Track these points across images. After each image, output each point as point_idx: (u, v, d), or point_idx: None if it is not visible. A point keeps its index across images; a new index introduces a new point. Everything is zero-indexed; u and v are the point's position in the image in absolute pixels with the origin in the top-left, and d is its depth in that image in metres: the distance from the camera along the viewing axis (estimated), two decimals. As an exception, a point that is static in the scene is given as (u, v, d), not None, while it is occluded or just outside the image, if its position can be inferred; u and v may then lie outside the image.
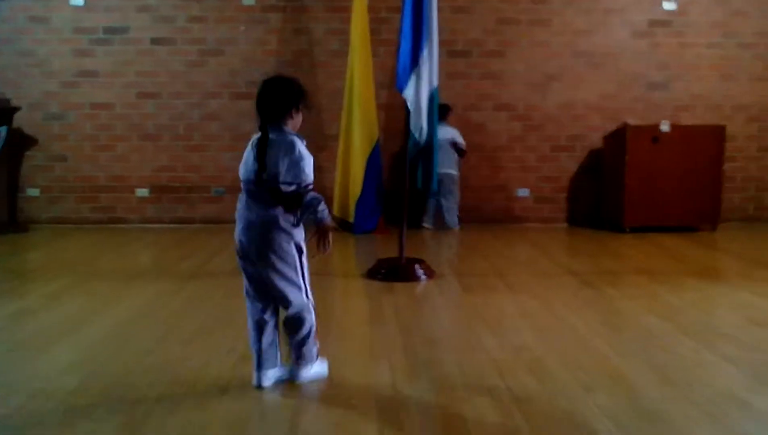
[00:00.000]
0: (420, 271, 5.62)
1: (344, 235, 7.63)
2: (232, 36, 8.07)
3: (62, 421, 2.94)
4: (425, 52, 5.49)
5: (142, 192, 8.24)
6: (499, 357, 3.74)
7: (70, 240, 7.42)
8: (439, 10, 7.60)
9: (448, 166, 7.67)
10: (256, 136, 3.26)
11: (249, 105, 8.15)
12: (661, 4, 8.29)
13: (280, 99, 3.24)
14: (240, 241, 3.25)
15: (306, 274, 3.30)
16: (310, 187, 3.18)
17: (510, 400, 3.15)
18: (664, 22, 8.30)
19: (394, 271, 5.60)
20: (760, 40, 8.38)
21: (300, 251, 3.26)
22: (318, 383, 3.36)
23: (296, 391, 3.27)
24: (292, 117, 3.26)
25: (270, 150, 3.17)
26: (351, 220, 7.74)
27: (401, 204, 5.69)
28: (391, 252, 5.91)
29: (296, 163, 3.13)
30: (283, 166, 3.13)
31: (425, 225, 8.04)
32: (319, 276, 5.58)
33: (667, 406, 3.08)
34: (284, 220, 3.19)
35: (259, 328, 3.33)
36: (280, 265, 3.20)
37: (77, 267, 6.14)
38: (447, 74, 8.02)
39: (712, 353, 3.82)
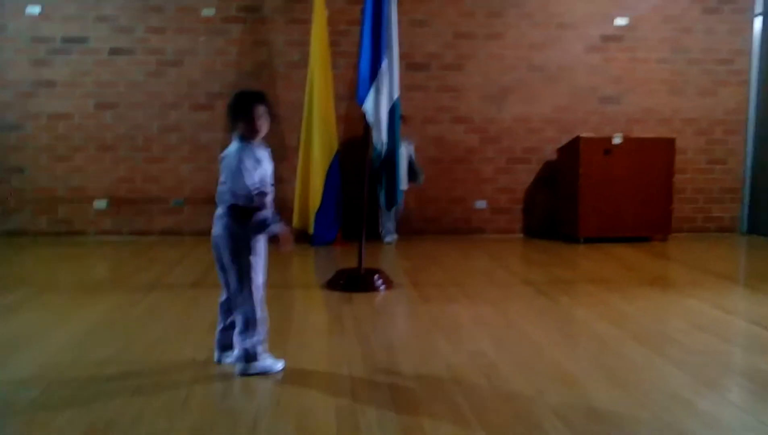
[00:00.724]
0: (379, 282, 5.70)
1: (304, 247, 7.67)
2: (191, 47, 8.09)
3: (24, 432, 2.95)
4: (384, 65, 5.58)
5: (101, 204, 8.19)
6: (455, 363, 3.84)
7: (27, 252, 7.35)
8: (398, 23, 7.77)
9: None
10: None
11: (208, 116, 8.26)
12: (613, 19, 8.53)
13: (227, 113, 3.64)
14: (212, 230, 3.62)
15: (252, 275, 3.58)
16: (252, 198, 3.44)
17: (465, 403, 3.24)
18: (616, 37, 8.55)
19: (353, 282, 5.67)
20: (706, 56, 8.67)
21: (249, 251, 3.55)
22: (276, 389, 3.41)
23: (256, 398, 3.32)
24: (239, 127, 3.57)
25: (223, 161, 3.57)
26: (310, 231, 7.79)
27: (360, 215, 5.77)
28: (350, 263, 5.99)
29: (233, 175, 3.46)
30: (228, 177, 3.48)
31: (387, 239, 8.00)
32: (278, 288, 5.69)
33: (615, 408, 3.21)
34: (234, 223, 3.53)
35: (223, 311, 3.76)
36: (231, 260, 3.56)
37: (34, 279, 6.10)
38: (405, 86, 8.06)
39: (660, 357, 3.97)
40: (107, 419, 3.05)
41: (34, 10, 7.90)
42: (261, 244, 3.61)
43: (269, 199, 3.59)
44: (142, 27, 8.03)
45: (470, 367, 3.79)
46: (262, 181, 3.51)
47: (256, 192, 3.44)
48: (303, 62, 7.91)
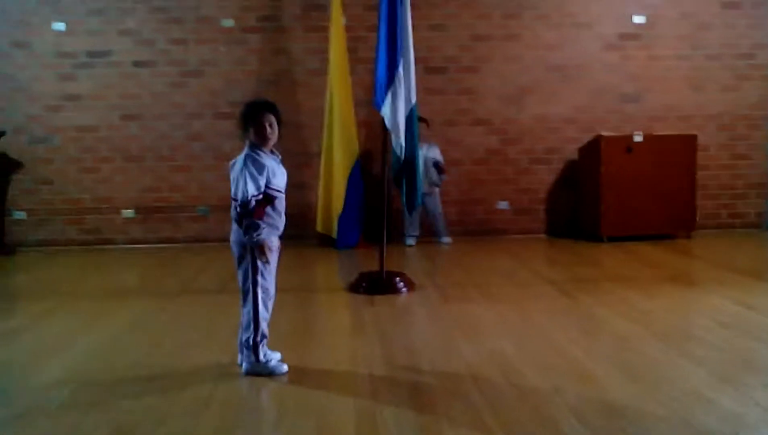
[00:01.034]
0: (400, 284, 5.77)
1: (327, 251, 7.76)
2: (212, 57, 8.22)
3: (53, 433, 3.06)
4: (401, 70, 5.64)
5: (128, 213, 8.34)
6: (474, 362, 3.89)
7: (57, 261, 7.52)
8: (416, 28, 7.81)
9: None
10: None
11: (230, 125, 8.36)
12: (630, 17, 8.51)
13: (238, 121, 3.82)
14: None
15: (258, 277, 3.71)
16: (247, 204, 3.58)
17: (482, 401, 3.30)
18: (633, 35, 8.53)
19: (375, 284, 5.74)
20: (726, 51, 8.61)
21: (253, 256, 3.69)
22: (298, 389, 3.49)
23: (278, 398, 3.39)
24: (249, 134, 3.74)
25: (233, 168, 3.75)
26: (334, 235, 7.87)
27: (382, 219, 5.84)
28: (373, 266, 6.06)
29: (236, 180, 3.64)
30: (233, 184, 3.67)
31: (412, 244, 8.00)
32: (302, 291, 5.79)
33: (632, 404, 3.24)
34: (236, 229, 3.73)
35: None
36: (238, 262, 3.75)
37: (64, 287, 6.25)
38: (424, 90, 8.18)
39: (680, 354, 3.98)
40: (133, 420, 3.15)
41: (59, 26, 8.08)
42: (274, 241, 3.77)
43: (280, 204, 3.76)
44: (164, 39, 8.17)
45: (489, 365, 3.84)
46: (269, 185, 3.67)
47: (254, 199, 3.58)
48: (322, 69, 8.00)
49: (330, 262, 7.31)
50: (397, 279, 5.81)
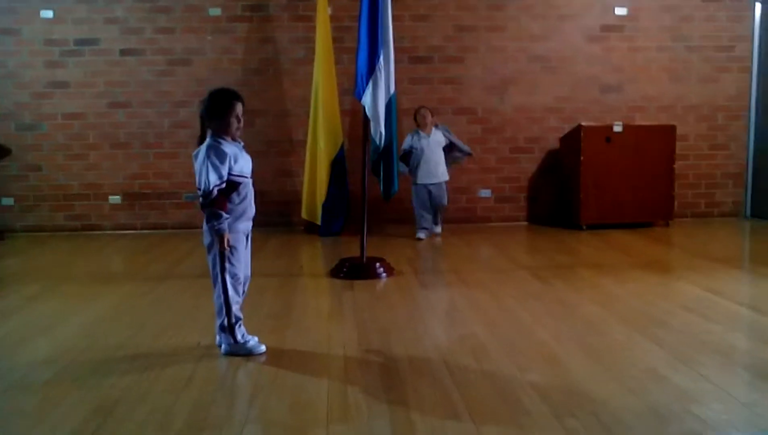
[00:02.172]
0: (380, 269, 5.92)
1: (311, 238, 7.91)
2: (199, 46, 8.32)
3: (38, 409, 3.20)
4: (381, 60, 5.77)
5: (115, 199, 8.46)
6: (445, 345, 4.05)
7: (45, 247, 7.63)
8: (401, 18, 8.00)
9: (441, 169, 7.74)
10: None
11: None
12: (612, 9, 8.65)
13: (202, 111, 3.82)
14: None
15: (225, 264, 3.79)
16: (209, 194, 3.65)
17: (450, 381, 3.45)
18: (616, 26, 8.67)
19: (355, 270, 5.89)
20: (706, 43, 8.77)
21: (217, 244, 3.77)
22: (274, 369, 3.64)
23: (254, 377, 3.54)
24: (213, 124, 3.76)
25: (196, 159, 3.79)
26: (318, 222, 8.01)
27: (363, 205, 5.99)
28: (356, 252, 6.20)
29: (199, 171, 3.70)
30: (197, 174, 3.73)
31: (420, 236, 7.68)
32: (284, 276, 5.93)
33: (592, 383, 3.40)
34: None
35: None
36: (207, 250, 3.84)
37: (52, 272, 6.38)
38: (409, 80, 8.36)
39: (643, 337, 4.14)
40: (116, 396, 3.30)
41: (48, 14, 8.16)
42: (236, 236, 3.81)
43: (246, 189, 3.82)
44: (151, 28, 8.27)
45: (459, 348, 3.99)
46: (232, 172, 3.70)
47: (216, 189, 3.63)
48: (308, 58, 8.12)
49: (313, 248, 7.45)
50: (377, 265, 5.96)
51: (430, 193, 7.65)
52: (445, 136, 7.70)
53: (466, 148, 7.86)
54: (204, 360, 3.82)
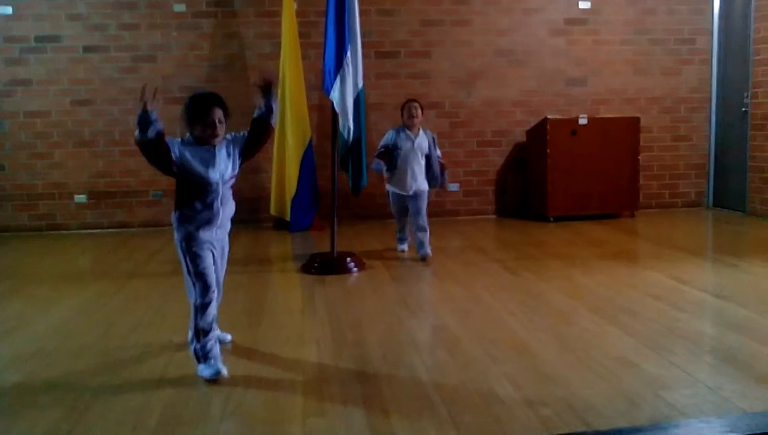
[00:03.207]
0: (351, 264, 5.92)
1: (281, 233, 7.88)
2: (164, 42, 8.24)
3: (7, 411, 3.16)
4: (349, 55, 5.77)
5: (81, 198, 8.35)
6: (418, 337, 4.08)
7: (9, 247, 7.51)
8: (366, 13, 7.99)
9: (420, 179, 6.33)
10: None
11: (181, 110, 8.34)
12: (576, 3, 8.74)
13: (182, 116, 3.65)
14: None
15: (191, 265, 3.61)
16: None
17: (424, 372, 3.48)
18: (580, 20, 8.76)
19: (326, 265, 5.89)
20: (669, 36, 8.90)
21: (183, 250, 3.64)
22: (248, 365, 3.64)
23: (230, 373, 3.52)
24: (196, 130, 3.58)
25: None
26: (288, 218, 7.99)
27: (332, 200, 5.99)
28: (327, 247, 6.20)
29: None
30: None
31: (402, 248, 6.71)
32: (255, 272, 5.91)
33: (563, 371, 3.45)
34: (174, 226, 3.67)
35: None
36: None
37: (17, 272, 6.28)
38: (376, 75, 8.36)
39: (612, 325, 4.21)
40: (89, 396, 3.26)
41: (6, 10, 8.00)
42: (200, 238, 3.60)
43: (213, 198, 3.60)
44: (115, 24, 8.16)
45: (432, 339, 4.03)
46: (187, 169, 3.51)
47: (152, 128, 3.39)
48: (274, 54, 8.08)
49: (284, 244, 7.43)
50: (348, 259, 5.96)
51: (402, 204, 6.43)
52: (429, 145, 6.33)
53: (439, 174, 6.42)
54: (177, 357, 3.79)
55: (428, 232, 6.31)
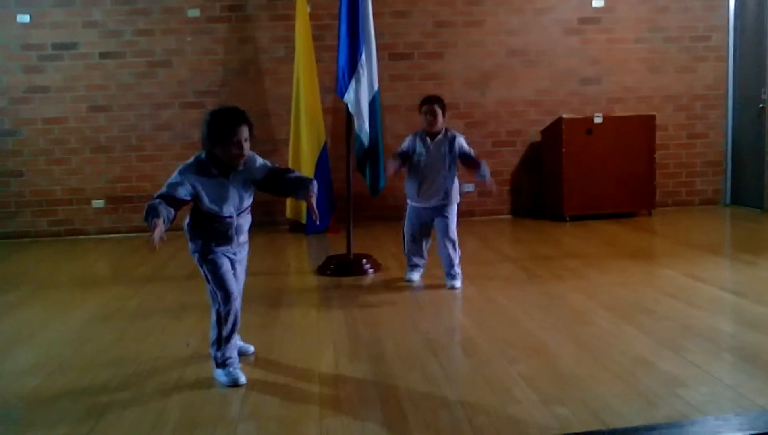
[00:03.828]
0: (367, 266, 5.94)
1: (297, 236, 7.91)
2: (179, 47, 8.29)
3: (26, 415, 3.19)
4: (363, 57, 5.78)
5: (98, 203, 8.42)
6: (434, 337, 4.08)
7: (28, 253, 7.59)
8: (380, 15, 7.98)
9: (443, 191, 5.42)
10: None
11: (198, 114, 8.45)
12: (590, 2, 8.70)
13: (204, 133, 3.47)
14: None
15: (212, 282, 3.56)
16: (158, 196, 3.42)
17: (440, 372, 3.49)
18: (593, 19, 8.72)
19: (342, 267, 5.91)
20: (683, 33, 8.84)
21: (199, 261, 3.62)
22: (264, 366, 3.66)
23: (246, 374, 3.53)
24: (217, 151, 3.42)
25: None
26: (303, 221, 8.01)
27: (347, 203, 6.01)
28: (342, 249, 6.21)
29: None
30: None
31: (411, 278, 5.54)
32: (272, 275, 5.94)
33: (579, 371, 3.44)
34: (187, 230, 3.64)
35: None
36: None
37: (36, 277, 6.34)
38: (389, 76, 8.37)
39: (629, 324, 4.19)
40: (106, 399, 3.29)
41: (24, 18, 8.10)
42: (215, 248, 3.56)
43: (227, 228, 3.54)
44: (130, 30, 8.22)
45: (447, 340, 4.04)
46: (204, 206, 3.45)
47: (157, 195, 3.41)
48: (289, 57, 8.11)
49: (300, 246, 7.46)
50: (364, 261, 5.98)
51: (423, 220, 5.45)
52: (457, 147, 5.37)
53: (478, 167, 5.43)
54: (193, 360, 3.82)
55: (458, 252, 5.39)
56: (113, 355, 3.97)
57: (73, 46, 8.20)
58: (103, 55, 8.24)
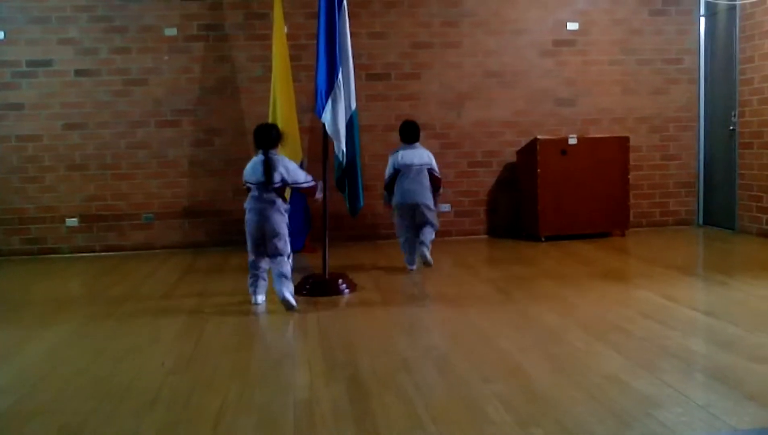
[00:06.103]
0: (343, 285, 5.93)
1: (273, 255, 7.87)
2: (155, 65, 8.28)
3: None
4: (340, 77, 5.81)
5: (72, 222, 8.34)
6: (409, 356, 4.08)
7: (0, 272, 7.48)
8: (357, 35, 8.04)
9: (422, 194, 6.66)
10: (260, 156, 5.37)
11: (174, 132, 8.45)
12: (565, 24, 8.83)
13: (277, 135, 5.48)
14: (254, 219, 5.36)
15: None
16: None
17: (415, 392, 3.48)
18: (568, 41, 8.85)
19: (318, 286, 5.90)
20: (656, 56, 9.00)
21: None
22: (239, 386, 3.63)
23: (221, 395, 3.51)
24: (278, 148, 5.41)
25: (272, 164, 5.28)
26: (280, 240, 7.98)
27: (324, 222, 6.02)
28: (318, 269, 6.20)
29: (293, 170, 5.45)
30: (286, 173, 5.34)
31: (411, 267, 6.79)
32: (248, 294, 5.88)
33: (554, 391, 3.46)
34: (282, 205, 5.42)
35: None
36: (281, 232, 5.40)
37: (8, 296, 6.26)
38: (366, 97, 8.41)
39: (603, 344, 4.22)
40: (79, 421, 3.25)
41: (-1, 35, 8.07)
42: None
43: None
44: (106, 48, 8.20)
45: (423, 360, 4.03)
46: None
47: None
48: (266, 77, 8.11)
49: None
50: (340, 281, 5.97)
51: (411, 215, 6.67)
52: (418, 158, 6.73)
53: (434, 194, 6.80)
54: (168, 380, 3.78)
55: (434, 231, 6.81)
56: (87, 377, 3.92)
57: (48, 63, 8.16)
58: (78, 73, 8.20)
